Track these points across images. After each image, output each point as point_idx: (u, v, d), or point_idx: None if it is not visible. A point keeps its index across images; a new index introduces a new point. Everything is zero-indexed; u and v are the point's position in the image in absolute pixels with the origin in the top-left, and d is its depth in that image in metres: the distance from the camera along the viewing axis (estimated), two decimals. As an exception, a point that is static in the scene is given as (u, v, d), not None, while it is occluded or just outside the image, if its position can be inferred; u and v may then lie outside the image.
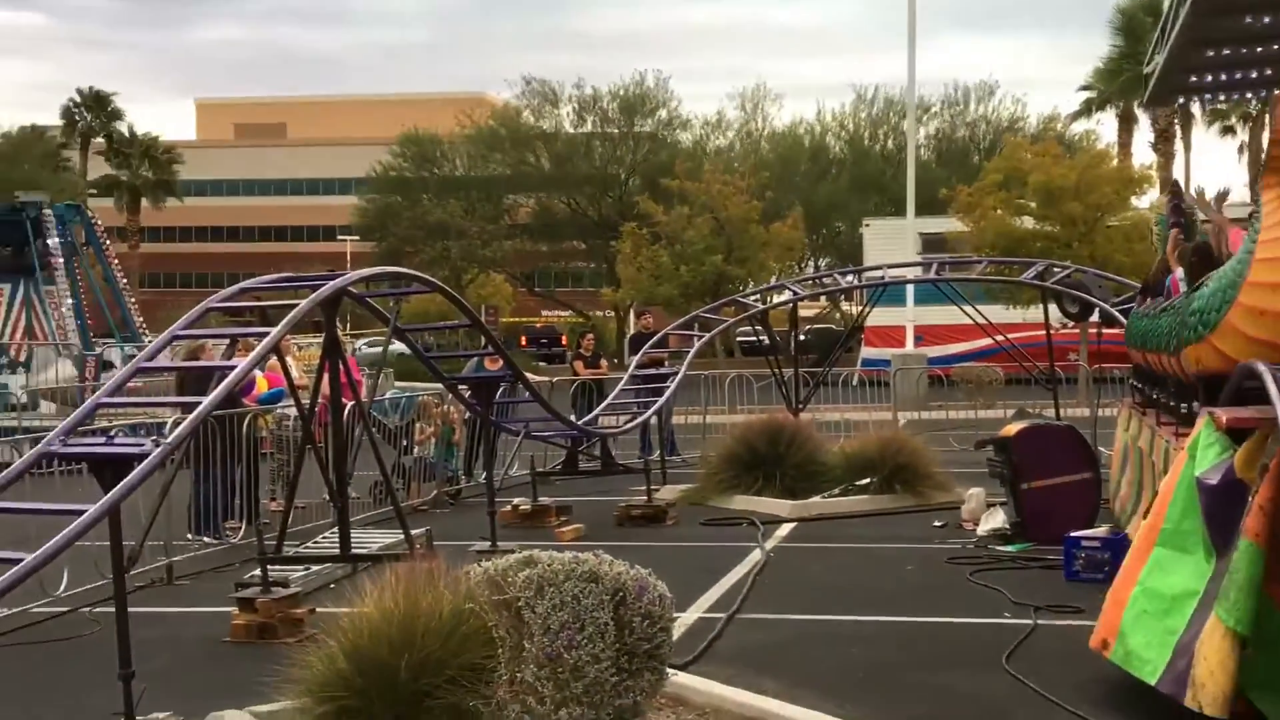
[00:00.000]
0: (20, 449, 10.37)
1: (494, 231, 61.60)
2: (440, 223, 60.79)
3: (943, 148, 63.74)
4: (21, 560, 5.78)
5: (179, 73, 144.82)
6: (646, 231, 43.47)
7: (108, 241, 27.90)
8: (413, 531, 9.73)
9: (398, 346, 13.64)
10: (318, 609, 8.62)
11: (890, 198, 56.26)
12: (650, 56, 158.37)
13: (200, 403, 7.05)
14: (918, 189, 34.16)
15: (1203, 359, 8.33)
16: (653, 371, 17.05)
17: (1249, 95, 22.47)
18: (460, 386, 12.86)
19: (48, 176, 56.00)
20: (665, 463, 16.19)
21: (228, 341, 9.85)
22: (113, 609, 6.78)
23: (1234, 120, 54.53)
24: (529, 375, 14.55)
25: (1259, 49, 15.28)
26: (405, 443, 15.45)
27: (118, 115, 66.58)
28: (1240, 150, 55.49)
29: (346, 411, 10.28)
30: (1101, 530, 10.52)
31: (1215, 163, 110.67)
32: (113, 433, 7.99)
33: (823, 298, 47.56)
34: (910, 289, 29.71)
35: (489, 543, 10.93)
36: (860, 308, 24.63)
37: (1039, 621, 8.61)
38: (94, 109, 65.71)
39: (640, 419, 15.68)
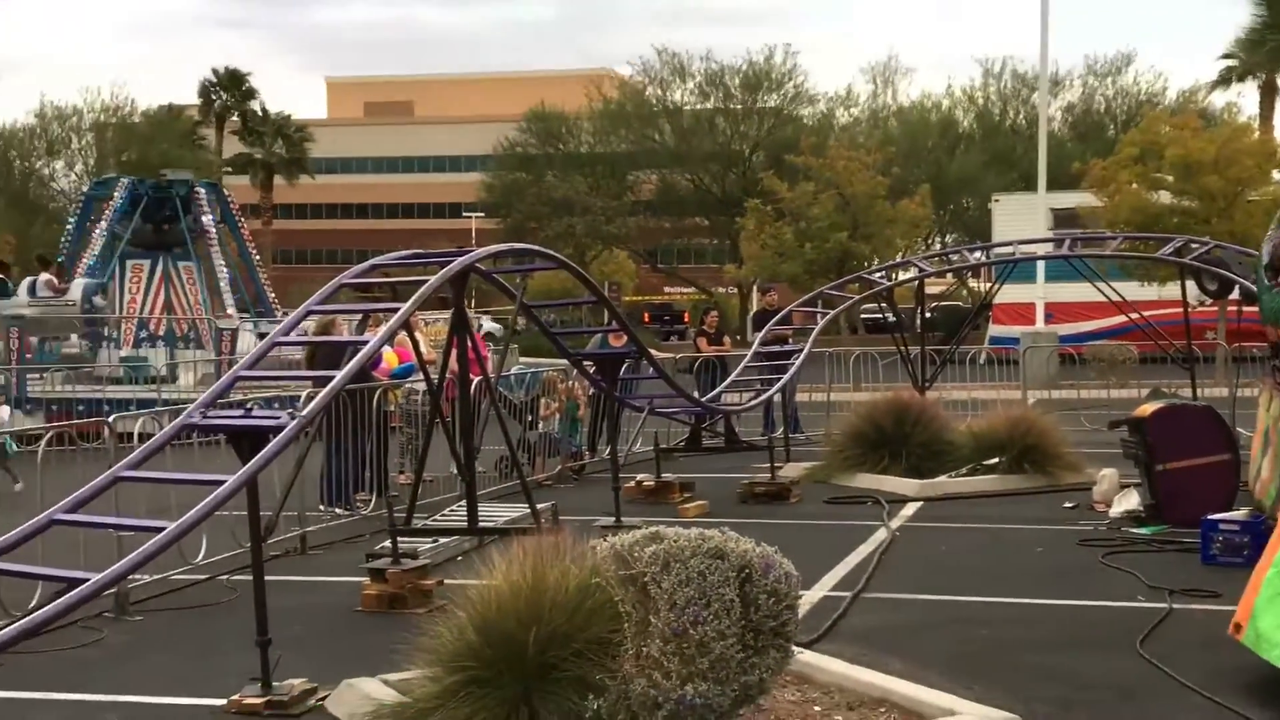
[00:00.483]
0: (161, 420, 10.67)
1: (618, 208, 61.73)
2: (565, 199, 61.11)
3: (1077, 121, 62.35)
4: (163, 529, 5.95)
5: (311, 52, 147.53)
6: (771, 208, 43.21)
7: (242, 219, 28.51)
8: (538, 506, 9.83)
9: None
10: (446, 581, 8.75)
11: (1021, 173, 55.21)
12: (777, 31, 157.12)
13: (333, 377, 7.18)
14: (1050, 164, 33.48)
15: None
16: (777, 348, 16.98)
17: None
18: (585, 363, 12.94)
19: (184, 155, 57.39)
20: (789, 440, 16.12)
21: (359, 317, 10.02)
22: (249, 577, 6.97)
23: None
24: (653, 352, 14.59)
25: None
26: (530, 418, 15.59)
27: (252, 94, 67.92)
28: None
29: (474, 386, 10.40)
30: (1240, 513, 10.25)
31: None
32: (249, 405, 8.17)
33: (949, 275, 46.88)
34: (1041, 265, 29.16)
35: (613, 518, 11.00)
36: (988, 285, 24.19)
37: (1174, 606, 8.43)
38: (229, 88, 67.08)
39: (764, 396, 15.62)
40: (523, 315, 10.93)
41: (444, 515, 11.30)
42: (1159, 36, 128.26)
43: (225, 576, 9.82)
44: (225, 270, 25.93)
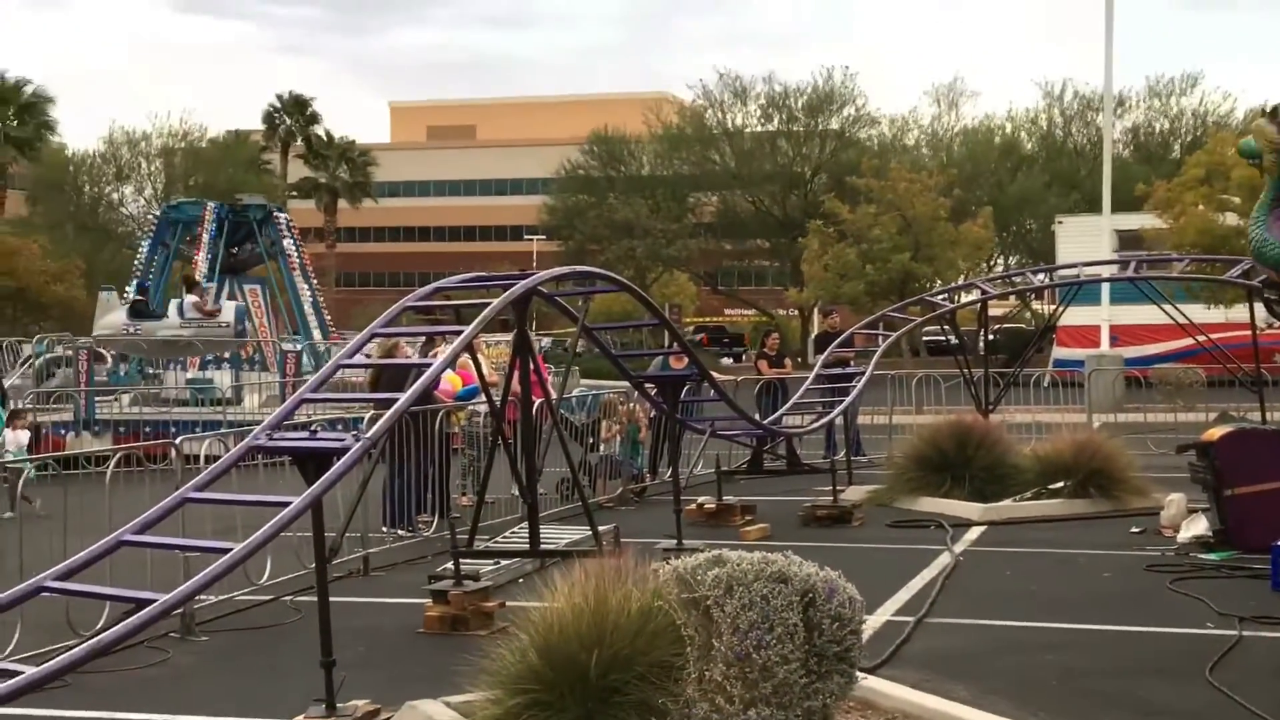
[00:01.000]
0: (227, 442, 10.79)
1: (678, 230, 61.81)
2: (626, 221, 61.26)
3: (1141, 142, 61.70)
4: (230, 549, 6.01)
5: (375, 77, 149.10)
6: (832, 230, 43.14)
7: (301, 244, 28.90)
8: (600, 528, 9.82)
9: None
10: (508, 603, 8.76)
11: (1084, 194, 54.72)
12: (840, 54, 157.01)
13: (397, 399, 7.23)
14: (1113, 185, 33.16)
15: None
16: (839, 371, 16.91)
17: None
18: (647, 385, 12.94)
19: (250, 179, 58.14)
20: (851, 463, 16.04)
21: (423, 339, 10.08)
22: (312, 598, 7.02)
23: None
24: (713, 374, 14.57)
25: None
26: (591, 440, 15.62)
27: (316, 119, 68.77)
28: None
29: (535, 408, 10.43)
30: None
31: None
32: (314, 428, 8.24)
33: (1012, 297, 46.55)
34: (1105, 288, 28.86)
35: (675, 540, 10.97)
36: (1052, 307, 23.97)
37: (1244, 633, 8.29)
38: (294, 113, 67.92)
39: (826, 419, 15.56)
40: (584, 337, 10.96)
41: (506, 537, 11.33)
42: (1228, 56, 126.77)
43: (289, 597, 9.89)
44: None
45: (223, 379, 23.55)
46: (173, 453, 9.75)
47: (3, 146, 55.16)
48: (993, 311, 20.84)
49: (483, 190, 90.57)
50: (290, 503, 6.21)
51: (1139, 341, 32.76)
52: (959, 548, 11.76)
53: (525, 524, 10.31)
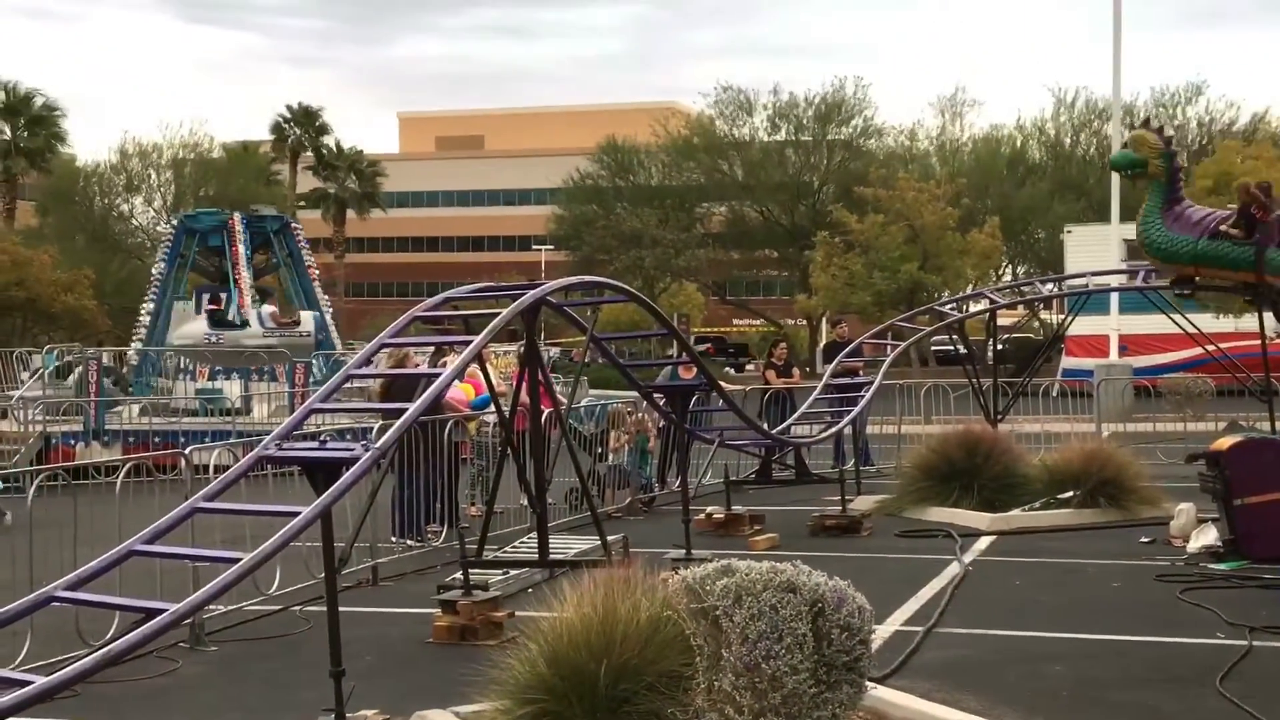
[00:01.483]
0: (236, 452, 10.81)
1: (687, 240, 61.81)
2: (634, 232, 61.28)
3: (1148, 152, 61.49)
4: (239, 559, 6.01)
5: (383, 88, 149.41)
6: (840, 240, 43.10)
7: (309, 254, 28.94)
8: (609, 538, 9.82)
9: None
10: (517, 613, 8.77)
11: (1092, 203, 54.62)
12: (845, 64, 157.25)
13: (406, 409, 7.23)
14: (1122, 194, 33.09)
15: None
16: (847, 380, 16.90)
17: None
18: (655, 395, 12.94)
19: (260, 190, 58.19)
20: (860, 473, 16.02)
21: (432, 349, 10.08)
22: (322, 608, 7.03)
23: None
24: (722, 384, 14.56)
25: None
26: (599, 450, 15.61)
27: (325, 130, 68.91)
28: None
29: (544, 418, 10.43)
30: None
31: None
32: (323, 438, 8.26)
33: (1020, 306, 46.48)
34: (1114, 297, 28.79)
35: (683, 550, 10.97)
36: (1060, 316, 23.94)
37: (1255, 643, 8.27)
38: (303, 124, 68.05)
39: (835, 428, 15.55)
40: (594, 347, 10.96)
41: (514, 547, 11.34)
42: (1230, 62, 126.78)
43: (298, 607, 9.90)
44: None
45: (232, 389, 23.59)
46: (182, 463, 9.77)
47: (13, 157, 55.34)
48: (1001, 321, 20.78)
49: (491, 200, 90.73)
50: (300, 513, 6.21)
51: (1148, 351, 32.67)
52: (968, 557, 11.74)
53: (534, 534, 10.30)
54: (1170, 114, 60.96)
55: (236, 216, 26.46)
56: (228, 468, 7.20)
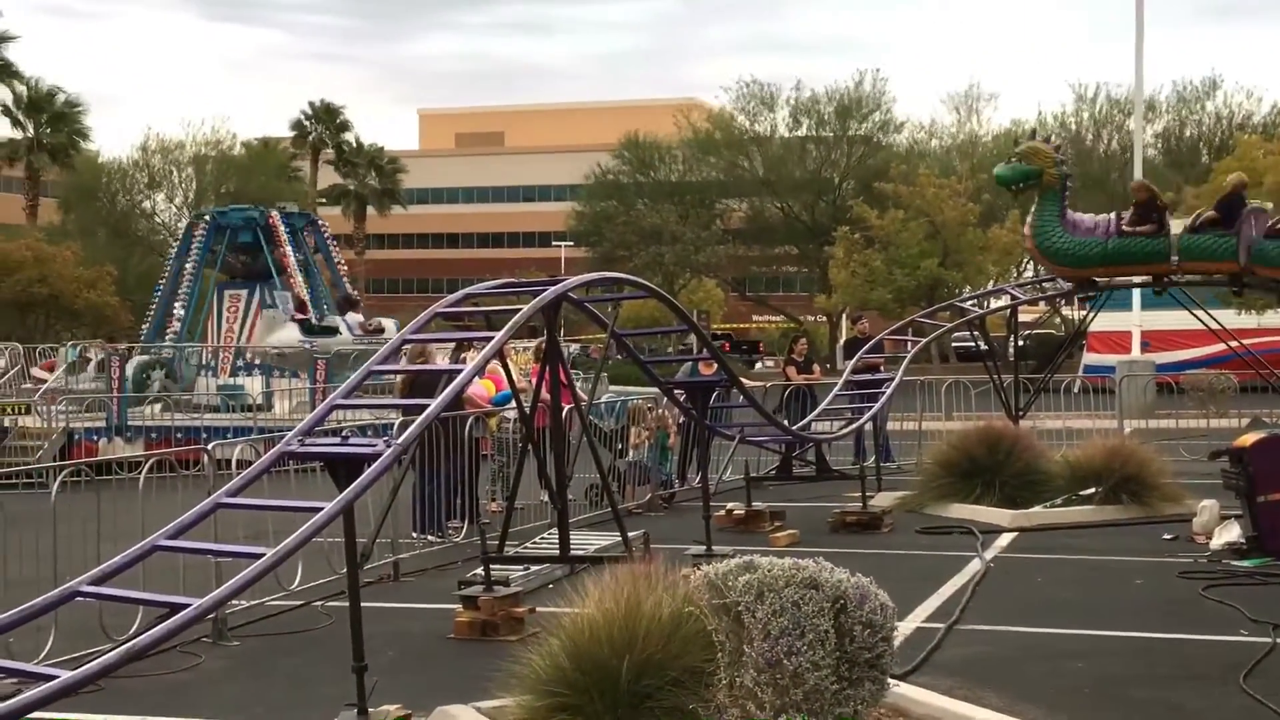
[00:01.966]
0: (259, 448, 10.85)
1: (707, 237, 61.77)
2: (654, 228, 61.26)
3: (1171, 147, 61.29)
4: (262, 555, 6.03)
5: (404, 84, 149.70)
6: (860, 236, 43.05)
7: (337, 250, 28.98)
8: (629, 534, 9.82)
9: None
10: (538, 608, 8.78)
11: (1114, 198, 54.40)
12: (860, 59, 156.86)
13: (427, 405, 7.24)
14: (1144, 190, 32.90)
15: None
16: (868, 377, 16.86)
17: None
18: (675, 391, 12.93)
19: (280, 186, 58.32)
20: (880, 469, 15.99)
21: (453, 345, 10.09)
22: (344, 603, 7.04)
23: None
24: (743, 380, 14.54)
25: None
26: (620, 446, 15.61)
27: (346, 126, 69.06)
28: None
29: (565, 414, 10.43)
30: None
31: None
32: (345, 433, 8.28)
33: (1042, 302, 46.28)
34: (1136, 293, 28.66)
35: (704, 546, 10.96)
36: (1082, 313, 23.84)
37: (1278, 640, 8.22)
38: (324, 120, 68.25)
39: (856, 425, 15.52)
40: (615, 343, 10.96)
41: (536, 543, 11.34)
42: (1244, 56, 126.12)
43: (320, 603, 9.93)
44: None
45: (253, 385, 23.66)
46: (205, 458, 9.80)
47: (36, 154, 55.59)
48: (1022, 317, 20.73)
49: (511, 197, 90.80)
50: (322, 508, 6.23)
51: (1170, 347, 32.54)
52: (989, 554, 11.71)
53: (555, 530, 10.31)
54: (1191, 109, 60.71)
55: (276, 214, 26.31)
56: (250, 463, 7.23)
